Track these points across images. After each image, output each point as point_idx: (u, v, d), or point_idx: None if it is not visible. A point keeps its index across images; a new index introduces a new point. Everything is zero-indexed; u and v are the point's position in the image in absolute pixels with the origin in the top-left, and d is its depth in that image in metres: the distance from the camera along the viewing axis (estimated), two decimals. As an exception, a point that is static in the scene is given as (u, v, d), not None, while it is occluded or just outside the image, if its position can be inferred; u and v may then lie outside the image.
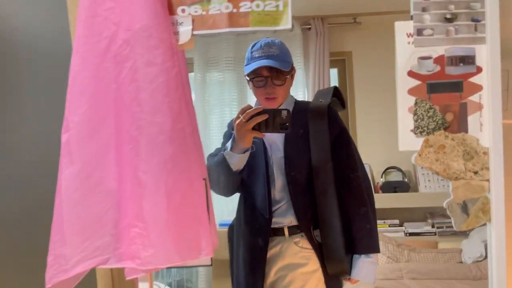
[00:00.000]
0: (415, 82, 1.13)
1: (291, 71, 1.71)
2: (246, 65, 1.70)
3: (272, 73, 1.64)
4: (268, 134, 1.69)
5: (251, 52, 1.68)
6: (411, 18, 1.12)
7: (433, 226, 3.83)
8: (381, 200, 3.54)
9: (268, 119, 1.45)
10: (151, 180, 1.05)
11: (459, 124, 1.12)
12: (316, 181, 1.65)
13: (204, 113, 3.89)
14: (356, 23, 3.82)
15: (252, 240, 1.68)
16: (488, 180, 1.12)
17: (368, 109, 3.96)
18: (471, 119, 1.13)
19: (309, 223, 1.66)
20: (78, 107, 1.10)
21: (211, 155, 1.69)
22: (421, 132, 1.12)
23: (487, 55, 1.11)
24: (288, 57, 1.70)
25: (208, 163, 1.64)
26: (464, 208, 1.11)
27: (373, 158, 3.84)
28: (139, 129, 1.06)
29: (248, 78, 1.71)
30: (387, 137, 3.50)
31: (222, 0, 1.12)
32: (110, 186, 1.09)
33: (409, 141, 1.13)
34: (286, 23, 1.11)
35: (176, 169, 1.06)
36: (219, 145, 1.81)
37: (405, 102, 1.13)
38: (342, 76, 4.09)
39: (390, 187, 3.89)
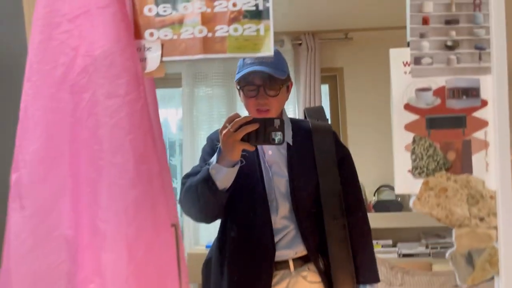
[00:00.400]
0: (412, 117, 1.01)
1: (287, 81, 1.56)
2: (237, 72, 1.55)
3: (265, 81, 1.49)
4: (269, 154, 1.54)
5: (244, 59, 1.53)
6: (408, 45, 1.00)
7: (427, 247, 3.76)
8: (374, 220, 3.43)
9: (258, 130, 1.29)
10: (111, 230, 0.92)
11: (463, 164, 1.00)
12: (325, 206, 1.50)
13: (192, 129, 3.86)
14: (347, 38, 3.80)
15: (249, 278, 1.48)
16: (495, 228, 0.99)
17: (360, 126, 3.89)
18: (476, 158, 1.00)
19: (316, 252, 1.52)
20: (29, 143, 0.97)
21: (188, 175, 1.52)
22: (420, 173, 1.00)
23: (493, 86, 0.99)
24: (284, 66, 1.56)
25: (186, 185, 1.47)
26: (469, 259, 0.98)
27: (365, 176, 3.74)
28: (98, 171, 0.92)
29: (238, 87, 1.56)
30: (380, 154, 3.41)
31: (196, 23, 0.99)
32: (65, 235, 0.95)
33: (406, 183, 1.00)
34: (267, 50, 0.99)
35: (139, 217, 0.92)
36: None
37: (401, 139, 1.00)
38: (333, 92, 4.05)
39: (383, 206, 3.82)
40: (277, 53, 1.53)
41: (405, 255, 3.65)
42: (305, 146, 1.57)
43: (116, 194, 0.92)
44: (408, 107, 1.01)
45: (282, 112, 1.61)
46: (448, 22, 0.99)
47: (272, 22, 0.99)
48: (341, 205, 1.52)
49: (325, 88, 4.00)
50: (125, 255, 0.91)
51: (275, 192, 1.51)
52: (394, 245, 3.73)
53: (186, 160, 3.82)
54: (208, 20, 0.99)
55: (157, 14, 1.01)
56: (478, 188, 0.99)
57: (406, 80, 1.00)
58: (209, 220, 1.57)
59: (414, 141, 1.00)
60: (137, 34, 1.00)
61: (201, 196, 1.40)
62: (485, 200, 0.99)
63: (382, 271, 3.51)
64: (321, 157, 1.55)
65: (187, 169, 3.53)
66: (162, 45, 1.01)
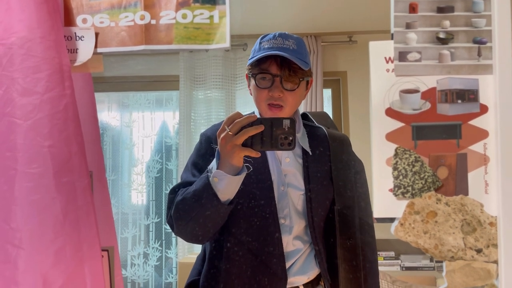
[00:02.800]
0: (395, 124, 0.83)
1: (308, 75, 1.32)
2: (250, 57, 1.31)
3: (284, 71, 1.25)
4: (287, 161, 1.30)
5: (260, 43, 1.30)
6: (392, 37, 0.82)
7: (431, 260, 3.62)
8: (376, 230, 3.28)
9: (264, 132, 1.07)
10: (24, 257, 0.75)
11: (456, 184, 0.82)
12: (341, 226, 1.28)
13: (189, 132, 3.78)
14: (351, 41, 3.67)
15: None
16: (496, 262, 0.81)
17: (362, 132, 3.72)
18: (473, 176, 0.83)
19: (327, 275, 1.31)
20: None
21: (178, 188, 1.27)
22: (403, 193, 0.82)
23: (494, 89, 0.81)
24: (307, 57, 1.32)
25: (176, 200, 1.23)
26: (463, 300, 0.80)
27: (368, 184, 3.58)
28: (9, 182, 0.76)
29: (250, 74, 1.31)
30: (383, 164, 3.22)
31: (137, 8, 0.83)
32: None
33: (386, 205, 0.82)
34: (222, 40, 0.82)
35: (59, 241, 0.76)
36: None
37: (381, 151, 0.82)
38: (336, 97, 3.93)
39: (385, 217, 3.65)
40: (300, 41, 1.31)
41: (408, 268, 3.50)
42: (322, 157, 1.34)
43: (31, 212, 0.76)
44: (390, 112, 0.83)
45: (296, 113, 1.38)
46: (440, 9, 0.82)
47: (229, 8, 0.83)
48: (356, 223, 1.32)
49: (327, 93, 3.86)
50: None
51: (290, 207, 1.29)
52: (396, 257, 3.60)
53: (182, 164, 3.70)
54: (151, 4, 0.83)
55: (92, -3, 0.85)
56: (475, 213, 0.81)
57: (388, 79, 0.83)
58: (205, 240, 1.30)
59: (396, 154, 0.82)
60: (68, 20, 0.84)
61: (198, 211, 1.17)
62: (484, 227, 0.81)
63: (383, 285, 3.34)
64: (338, 172, 1.33)
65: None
66: (97, 34, 0.84)
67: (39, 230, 0.76)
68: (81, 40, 0.84)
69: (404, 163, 0.81)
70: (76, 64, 0.83)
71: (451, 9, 0.81)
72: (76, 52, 0.84)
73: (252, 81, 1.31)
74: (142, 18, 0.84)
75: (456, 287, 0.80)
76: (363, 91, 3.65)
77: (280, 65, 1.25)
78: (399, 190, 0.82)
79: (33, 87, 0.77)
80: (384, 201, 0.82)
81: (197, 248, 3.57)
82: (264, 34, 1.32)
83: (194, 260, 1.44)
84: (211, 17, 0.83)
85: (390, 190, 0.83)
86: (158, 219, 3.82)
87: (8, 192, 0.77)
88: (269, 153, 1.33)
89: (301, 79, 1.28)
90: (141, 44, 0.84)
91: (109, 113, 3.93)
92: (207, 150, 1.34)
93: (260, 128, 1.05)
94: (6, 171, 0.77)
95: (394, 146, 0.82)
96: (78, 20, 0.85)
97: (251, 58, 1.30)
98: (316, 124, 1.46)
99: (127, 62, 3.75)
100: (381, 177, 0.82)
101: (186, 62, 3.77)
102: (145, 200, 3.88)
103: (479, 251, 0.81)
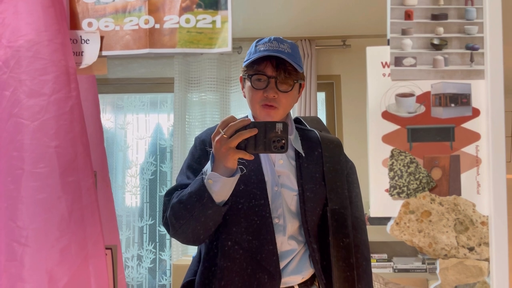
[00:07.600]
0: (391, 127, 0.85)
1: (301, 79, 1.35)
2: (246, 59, 1.34)
3: (279, 72, 1.28)
4: (280, 163, 1.34)
5: (256, 46, 1.33)
6: (388, 43, 0.85)
7: (423, 262, 3.64)
8: (369, 233, 3.29)
9: (257, 135, 1.09)
10: (29, 254, 0.77)
11: (450, 184, 0.85)
12: (334, 226, 1.30)
13: (183, 135, 3.79)
14: (345, 45, 3.68)
15: None
16: (487, 260, 0.84)
17: (356, 135, 3.76)
18: (466, 177, 0.85)
19: (322, 275, 1.32)
20: None
21: (173, 190, 1.29)
22: (398, 193, 0.85)
23: (486, 93, 0.84)
24: (300, 61, 1.35)
25: (172, 202, 1.24)
26: (456, 297, 0.83)
27: (361, 187, 3.60)
28: (16, 182, 0.78)
29: (245, 76, 1.34)
30: (376, 167, 3.25)
31: (141, 13, 0.85)
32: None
33: (382, 205, 0.85)
34: (224, 45, 0.85)
35: (64, 239, 0.77)
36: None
37: (378, 153, 0.85)
38: (329, 100, 3.95)
39: (380, 218, 3.67)
40: (294, 45, 1.34)
41: (400, 270, 3.54)
42: (314, 159, 1.37)
43: (37, 211, 0.77)
44: (386, 115, 0.85)
45: (288, 116, 1.42)
46: (435, 17, 0.85)
47: (231, 13, 0.85)
48: (349, 223, 1.34)
49: (321, 96, 3.89)
50: (45, 285, 0.76)
51: (284, 208, 1.31)
52: (389, 260, 3.61)
53: (176, 166, 3.70)
54: (155, 9, 0.85)
55: (98, 1, 0.87)
56: (467, 212, 0.84)
57: (385, 83, 0.85)
58: (201, 241, 1.31)
59: (392, 155, 0.84)
60: (74, 23, 0.86)
61: (194, 213, 1.18)
62: (476, 226, 0.84)
63: (376, 286, 3.36)
64: (331, 173, 1.35)
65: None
66: (102, 37, 0.86)
67: (45, 228, 0.78)
68: (87, 43, 0.86)
69: (399, 164, 0.84)
70: (82, 66, 0.85)
71: (445, 16, 0.84)
72: (82, 55, 0.86)
73: (247, 82, 1.33)
74: (146, 22, 0.86)
75: (449, 284, 0.83)
76: (357, 94, 3.69)
77: (276, 67, 1.28)
78: (394, 190, 0.85)
79: (40, 89, 0.78)
80: (380, 201, 0.85)
81: (191, 251, 3.57)
82: (259, 38, 1.35)
83: (187, 263, 1.45)
84: (213, 22, 0.86)
85: (386, 190, 0.85)
86: (152, 221, 3.82)
87: (15, 191, 0.78)
88: (262, 155, 1.35)
89: (295, 81, 1.31)
90: (145, 48, 0.86)
91: (103, 115, 3.93)
92: (201, 153, 1.35)
93: (253, 131, 1.08)
94: (13, 171, 0.79)
95: (390, 147, 0.85)
96: (84, 23, 0.87)
97: (246, 60, 1.33)
98: (309, 127, 1.49)
99: (123, 65, 3.75)
100: (377, 177, 0.85)
101: (181, 65, 3.78)
102: (139, 202, 3.88)
103: (471, 249, 0.84)
